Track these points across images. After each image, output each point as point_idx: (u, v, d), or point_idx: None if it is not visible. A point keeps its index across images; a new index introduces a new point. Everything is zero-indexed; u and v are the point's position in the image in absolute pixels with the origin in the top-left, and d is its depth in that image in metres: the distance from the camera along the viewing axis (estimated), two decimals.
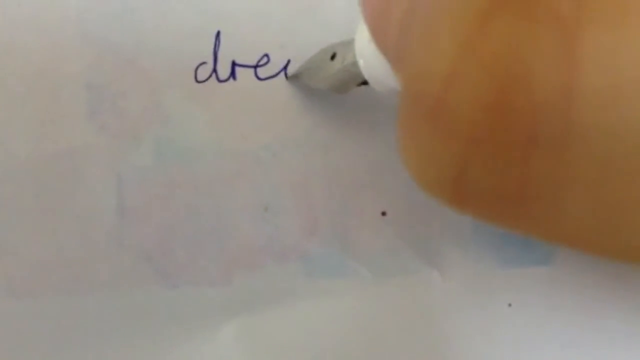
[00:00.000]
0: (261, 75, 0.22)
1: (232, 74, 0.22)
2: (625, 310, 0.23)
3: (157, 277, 0.22)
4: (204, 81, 0.22)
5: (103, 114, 0.22)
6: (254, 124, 0.22)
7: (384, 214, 0.22)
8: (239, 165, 0.22)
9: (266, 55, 0.22)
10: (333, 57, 0.20)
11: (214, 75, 0.22)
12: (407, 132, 0.12)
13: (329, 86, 0.20)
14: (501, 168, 0.11)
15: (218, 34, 0.22)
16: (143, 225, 0.22)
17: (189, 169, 0.22)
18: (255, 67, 0.22)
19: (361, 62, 0.18)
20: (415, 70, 0.12)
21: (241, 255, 0.22)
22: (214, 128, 0.22)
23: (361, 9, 0.15)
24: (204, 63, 0.22)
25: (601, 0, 0.10)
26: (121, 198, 0.22)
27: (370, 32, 0.15)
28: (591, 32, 0.10)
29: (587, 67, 0.10)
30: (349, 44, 0.19)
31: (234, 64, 0.22)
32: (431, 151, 0.12)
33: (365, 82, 0.19)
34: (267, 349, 0.22)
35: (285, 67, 0.22)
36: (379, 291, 0.22)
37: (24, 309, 0.21)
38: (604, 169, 0.10)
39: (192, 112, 0.22)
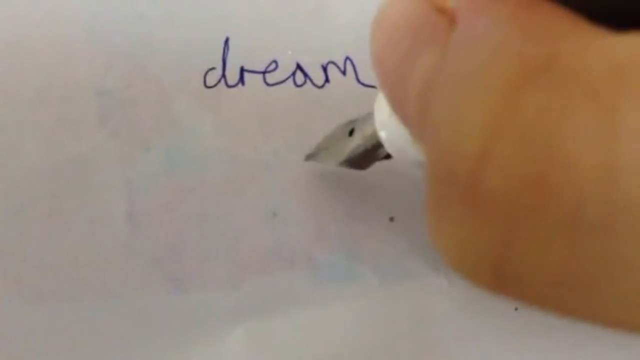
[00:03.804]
0: (270, 81, 0.22)
1: (241, 80, 0.22)
2: None
3: (167, 283, 0.22)
4: (213, 86, 0.22)
5: (113, 120, 0.22)
6: (262, 130, 0.22)
7: (391, 219, 0.22)
8: (247, 171, 0.22)
9: (275, 61, 0.22)
10: (351, 132, 0.19)
11: (222, 80, 0.22)
12: (438, 214, 0.12)
13: (348, 164, 0.20)
14: (545, 250, 0.10)
15: (227, 39, 0.22)
16: (153, 231, 0.22)
17: (199, 175, 0.22)
18: (264, 72, 0.22)
19: (383, 135, 0.17)
20: (442, 149, 0.11)
21: (250, 260, 0.22)
22: (223, 133, 0.22)
23: (375, 73, 0.13)
24: (212, 69, 0.22)
25: None
26: (131, 204, 0.22)
27: (387, 101, 0.14)
28: (631, 106, 0.09)
29: (628, 143, 0.09)
30: (367, 117, 0.18)
31: (242, 70, 0.22)
32: (467, 235, 0.11)
33: (387, 156, 0.18)
34: (275, 354, 0.22)
35: (293, 73, 0.22)
36: (386, 297, 0.22)
37: (35, 314, 0.21)
38: None
39: (201, 117, 0.22)
